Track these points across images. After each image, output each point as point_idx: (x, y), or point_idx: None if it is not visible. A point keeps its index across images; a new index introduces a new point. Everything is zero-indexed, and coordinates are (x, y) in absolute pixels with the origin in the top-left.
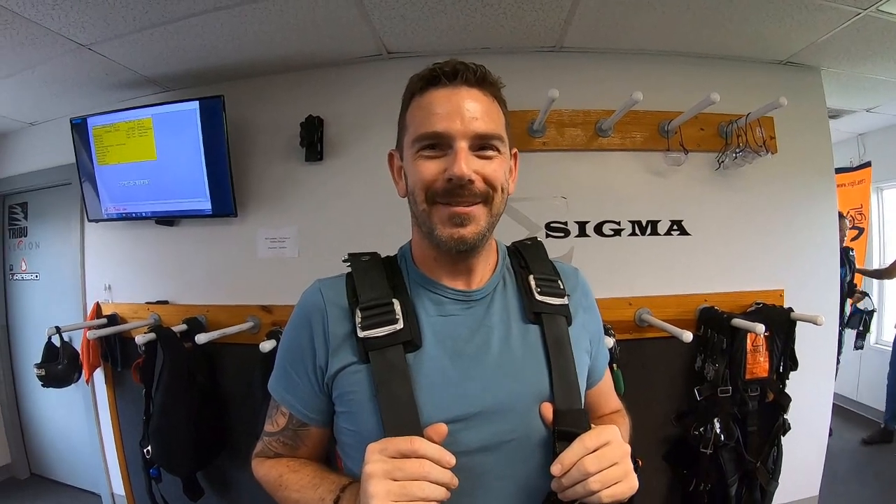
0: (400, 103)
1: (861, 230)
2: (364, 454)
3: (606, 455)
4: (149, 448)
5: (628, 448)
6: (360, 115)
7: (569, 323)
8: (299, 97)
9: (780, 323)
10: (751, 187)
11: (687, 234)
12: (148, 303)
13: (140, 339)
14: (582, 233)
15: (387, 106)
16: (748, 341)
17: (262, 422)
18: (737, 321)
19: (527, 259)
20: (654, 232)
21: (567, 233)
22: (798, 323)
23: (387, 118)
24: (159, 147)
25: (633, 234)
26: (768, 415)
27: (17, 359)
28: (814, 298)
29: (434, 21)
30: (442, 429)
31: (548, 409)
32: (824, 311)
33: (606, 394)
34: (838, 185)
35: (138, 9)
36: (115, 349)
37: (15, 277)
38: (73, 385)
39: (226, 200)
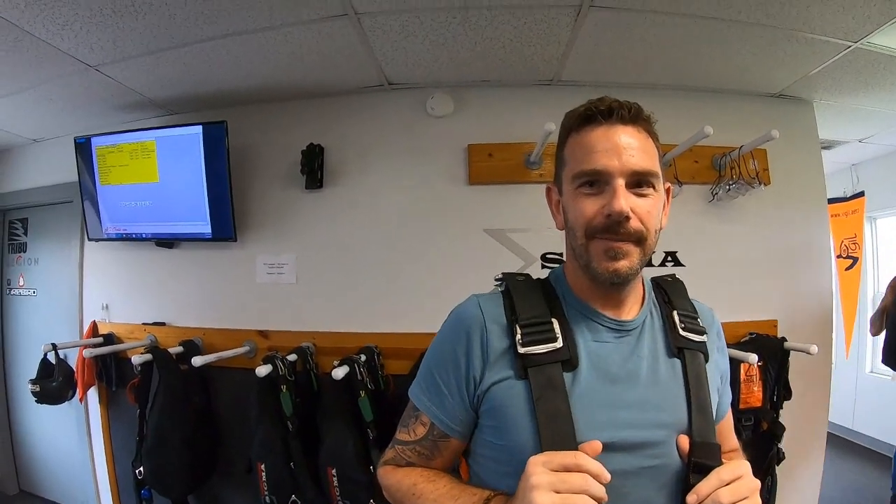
0: (399, 133)
1: (855, 260)
2: (507, 468)
3: (740, 489)
4: (141, 469)
5: (758, 483)
6: (360, 145)
7: (706, 360)
8: (301, 125)
9: (774, 353)
10: (744, 219)
11: (681, 265)
12: (145, 324)
13: (136, 359)
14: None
15: (387, 136)
16: (742, 371)
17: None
18: (730, 351)
19: (669, 294)
20: (649, 263)
21: (563, 264)
22: (792, 352)
23: (387, 148)
24: (162, 169)
25: None
26: (762, 444)
27: (11, 374)
28: (808, 328)
29: (435, 53)
30: (597, 446)
31: (684, 441)
32: (818, 340)
33: (727, 433)
34: (832, 216)
35: (147, 33)
36: (110, 369)
37: (12, 292)
38: (66, 403)
39: (226, 225)
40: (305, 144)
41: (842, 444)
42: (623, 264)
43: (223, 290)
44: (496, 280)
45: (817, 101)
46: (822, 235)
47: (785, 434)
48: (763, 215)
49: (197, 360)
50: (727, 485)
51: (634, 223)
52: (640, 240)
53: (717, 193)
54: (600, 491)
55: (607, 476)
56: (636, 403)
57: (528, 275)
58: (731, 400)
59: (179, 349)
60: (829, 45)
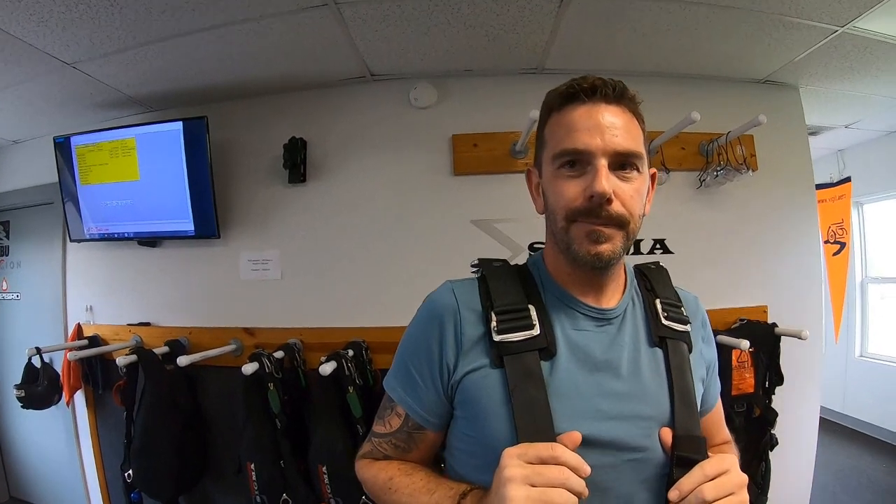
0: (382, 125)
1: (843, 245)
2: (482, 461)
3: (725, 484)
4: (130, 472)
5: (746, 478)
6: (343, 137)
7: (689, 350)
8: (283, 119)
9: (765, 338)
10: (732, 205)
11: (670, 252)
12: (129, 324)
13: (121, 360)
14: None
15: (370, 128)
16: (733, 357)
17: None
18: (721, 338)
19: (652, 283)
20: (638, 251)
21: (542, 250)
22: (783, 338)
23: (370, 140)
24: (142, 167)
25: None
26: (755, 430)
27: None
28: (798, 313)
29: (417, 43)
30: (577, 437)
31: (667, 434)
32: (808, 325)
33: (717, 424)
34: (819, 201)
35: (124, 28)
36: (96, 371)
37: None
38: (53, 407)
39: (209, 222)
40: (287, 138)
41: (833, 428)
42: (606, 248)
43: (208, 288)
44: (472, 266)
45: (803, 87)
46: (810, 220)
47: (777, 419)
48: (751, 201)
49: (182, 360)
50: (712, 480)
51: (617, 206)
52: (622, 224)
53: (704, 180)
54: (580, 485)
55: (587, 469)
56: (616, 394)
57: (505, 261)
58: (720, 391)
59: (165, 349)
60: (816, 30)
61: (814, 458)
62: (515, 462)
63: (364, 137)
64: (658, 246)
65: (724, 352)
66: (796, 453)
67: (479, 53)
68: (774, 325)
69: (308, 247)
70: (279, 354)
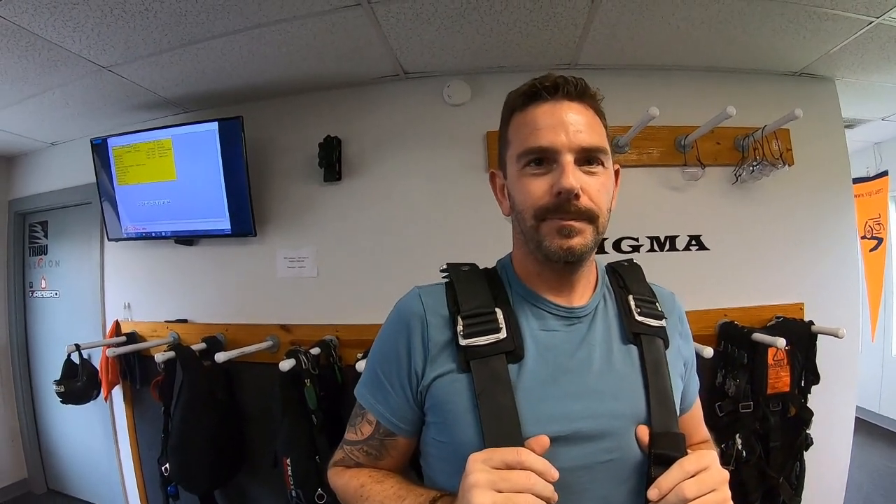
0: (417, 123)
1: (880, 241)
2: (454, 467)
3: (705, 481)
4: (167, 466)
5: (727, 474)
6: (378, 135)
7: (666, 346)
8: (318, 118)
9: (801, 336)
10: (768, 200)
11: (705, 248)
12: (167, 321)
13: (159, 357)
14: (600, 250)
15: (405, 125)
16: (769, 356)
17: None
18: (757, 335)
19: (625, 279)
20: (673, 247)
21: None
22: (819, 336)
23: (405, 138)
24: (179, 167)
25: (652, 249)
26: (790, 430)
27: (36, 375)
28: (834, 311)
29: (450, 41)
30: (545, 441)
31: (644, 432)
32: (845, 323)
33: (696, 423)
34: (856, 196)
35: (158, 31)
36: (134, 367)
37: (35, 295)
38: (91, 402)
39: (245, 220)
40: (322, 137)
41: (868, 428)
42: (577, 241)
43: (244, 285)
44: (441, 271)
45: (839, 79)
46: (847, 215)
47: (813, 419)
48: (787, 197)
49: (219, 357)
50: (692, 476)
51: (585, 201)
52: (592, 218)
53: (740, 175)
54: (547, 489)
55: (555, 474)
56: (588, 394)
57: (473, 264)
58: (698, 388)
59: (202, 346)
60: (851, 21)
61: (849, 458)
62: (480, 467)
63: (399, 135)
64: (694, 242)
65: (759, 350)
66: (831, 454)
67: (513, 50)
68: (811, 322)
69: (344, 244)
70: (315, 351)
